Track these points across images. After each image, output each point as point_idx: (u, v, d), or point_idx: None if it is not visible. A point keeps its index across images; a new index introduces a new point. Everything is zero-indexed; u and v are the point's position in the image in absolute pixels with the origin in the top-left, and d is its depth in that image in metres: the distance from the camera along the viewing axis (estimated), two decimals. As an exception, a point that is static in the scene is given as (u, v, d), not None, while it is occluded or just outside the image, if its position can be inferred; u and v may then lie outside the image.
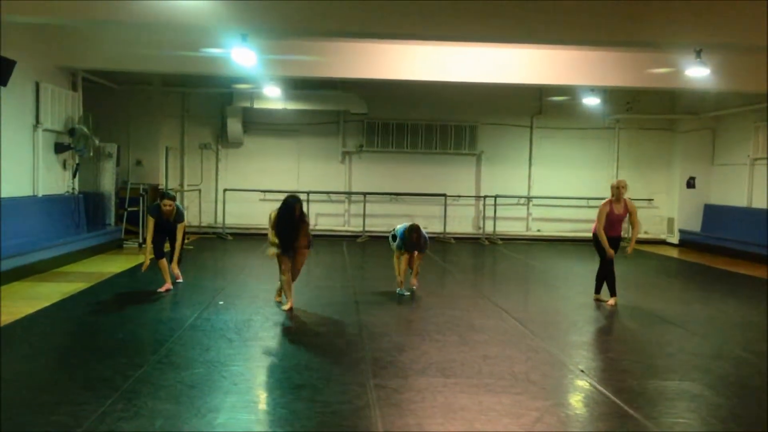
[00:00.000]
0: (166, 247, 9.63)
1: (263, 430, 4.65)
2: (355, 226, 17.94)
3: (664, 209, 18.61)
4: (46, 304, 8.54)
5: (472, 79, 13.39)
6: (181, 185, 17.83)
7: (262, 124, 17.95)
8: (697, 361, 6.73)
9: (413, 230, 9.51)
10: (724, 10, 9.15)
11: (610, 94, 17.36)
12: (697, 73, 11.40)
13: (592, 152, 18.63)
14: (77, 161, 13.78)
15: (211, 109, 17.87)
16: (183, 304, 8.76)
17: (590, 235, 9.70)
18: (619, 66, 13.31)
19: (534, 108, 18.49)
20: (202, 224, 17.77)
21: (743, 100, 15.72)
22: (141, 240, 14.81)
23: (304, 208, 8.68)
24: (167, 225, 9.51)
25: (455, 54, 13.01)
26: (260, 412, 5.10)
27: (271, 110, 17.45)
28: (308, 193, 17.29)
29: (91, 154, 13.85)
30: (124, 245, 14.71)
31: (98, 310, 8.56)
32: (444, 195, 17.79)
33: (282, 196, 8.19)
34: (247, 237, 17.01)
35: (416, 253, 9.74)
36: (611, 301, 9.30)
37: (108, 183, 15.06)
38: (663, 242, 18.20)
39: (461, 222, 18.49)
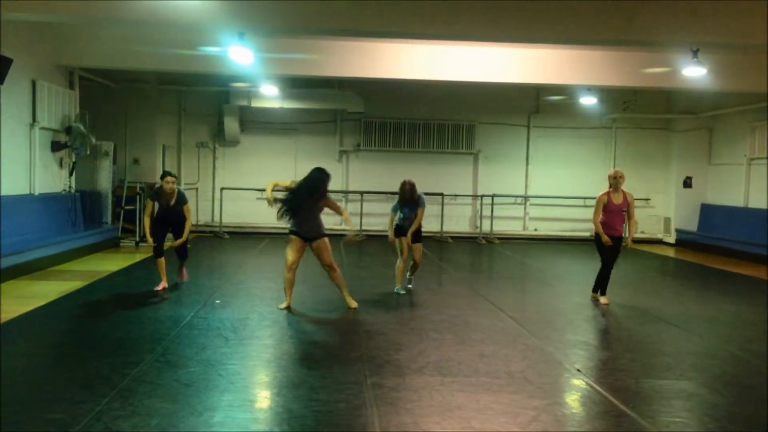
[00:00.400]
0: (167, 244, 9.56)
1: (260, 429, 4.65)
2: (352, 224, 17.91)
3: (661, 209, 18.64)
4: (43, 302, 8.52)
5: (470, 78, 13.40)
6: (178, 184, 17.78)
7: (259, 123, 17.94)
8: (693, 360, 6.75)
9: (405, 182, 9.46)
10: (721, 10, 9.16)
11: (607, 94, 17.38)
12: (694, 72, 11.43)
13: (589, 151, 18.66)
14: (74, 159, 13.76)
15: (208, 108, 17.86)
16: (179, 302, 8.75)
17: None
18: (616, 65, 13.33)
19: (531, 107, 18.51)
20: (199, 223, 17.74)
21: (740, 99, 15.75)
22: (138, 238, 14.81)
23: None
24: (168, 213, 9.33)
25: (452, 53, 13.02)
26: (257, 410, 5.10)
27: (268, 109, 17.44)
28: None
29: (88, 152, 13.84)
30: (121, 244, 14.70)
31: (95, 308, 8.55)
32: (441, 194, 17.79)
33: (279, 195, 8.17)
34: (244, 236, 17.01)
35: (415, 244, 9.66)
36: (604, 300, 9.31)
37: (105, 181, 15.05)
38: (660, 242, 18.22)
39: (458, 221, 18.50)
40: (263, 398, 5.38)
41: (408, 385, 5.53)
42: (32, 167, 12.24)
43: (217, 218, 17.56)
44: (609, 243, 9.11)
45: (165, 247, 9.48)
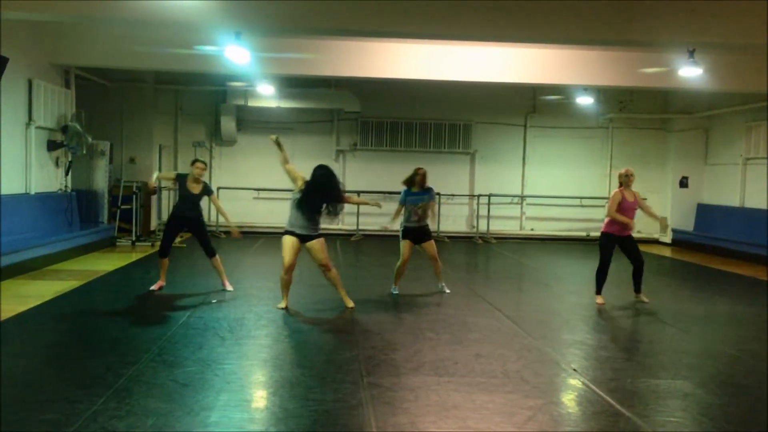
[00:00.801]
0: (176, 242, 9.51)
1: (256, 429, 4.64)
2: (348, 224, 17.92)
3: (657, 208, 18.52)
4: (39, 302, 8.50)
5: (466, 78, 13.40)
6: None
7: (255, 122, 17.92)
8: (688, 359, 6.76)
9: (420, 168, 9.55)
10: (717, 10, 9.17)
11: (603, 94, 17.40)
12: (690, 72, 11.44)
13: (586, 151, 18.67)
14: (70, 159, 13.73)
15: (204, 107, 17.85)
16: (176, 302, 8.74)
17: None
18: (612, 65, 13.34)
19: (528, 107, 18.52)
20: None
21: (736, 100, 15.78)
22: (134, 238, 14.78)
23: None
24: (187, 205, 9.27)
25: (449, 53, 13.02)
26: (253, 410, 5.09)
27: (264, 108, 17.43)
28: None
29: (84, 151, 13.80)
30: (117, 243, 14.67)
31: (91, 308, 8.53)
32: (438, 194, 17.74)
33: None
34: (241, 235, 16.96)
35: (426, 242, 9.64)
36: (599, 300, 9.33)
37: (101, 181, 15.03)
38: (656, 241, 18.24)
39: (455, 221, 18.51)
40: (260, 398, 5.38)
41: (404, 385, 5.53)
42: (28, 166, 12.22)
43: (213, 218, 17.53)
44: (632, 228, 9.19)
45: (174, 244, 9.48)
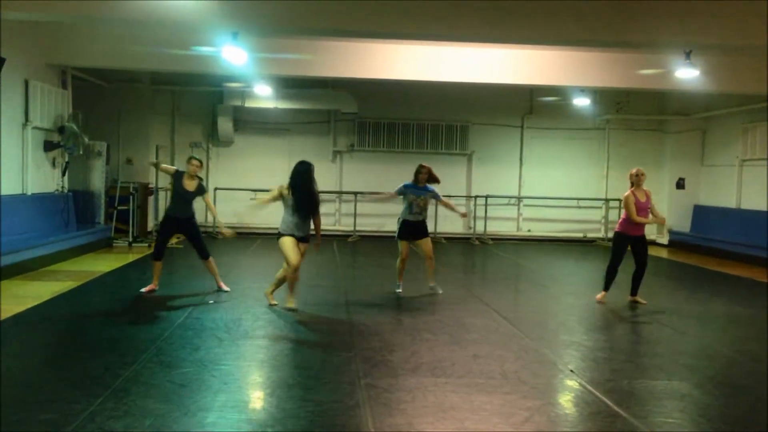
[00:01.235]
0: (173, 243, 9.49)
1: (253, 430, 4.64)
2: (346, 225, 17.93)
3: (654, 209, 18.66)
4: (36, 302, 8.49)
5: (463, 79, 13.41)
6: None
7: (253, 123, 17.92)
8: (686, 360, 6.77)
9: (424, 165, 9.56)
10: (714, 11, 9.19)
11: (600, 95, 17.43)
12: (687, 74, 11.47)
13: (583, 152, 18.70)
14: (67, 159, 13.70)
15: (201, 108, 17.83)
16: (173, 303, 8.73)
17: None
18: (609, 67, 13.36)
19: (525, 108, 18.54)
20: (193, 223, 17.68)
21: (732, 101, 15.81)
22: (131, 239, 14.77)
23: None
24: (181, 203, 9.23)
25: (446, 54, 13.02)
26: (250, 411, 5.09)
27: (262, 109, 17.42)
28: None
29: (81, 152, 13.78)
30: (114, 244, 14.65)
31: (88, 309, 8.52)
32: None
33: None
34: (238, 236, 16.94)
35: (422, 239, 9.64)
36: (600, 296, 9.35)
37: (98, 181, 15.00)
38: (653, 242, 18.24)
39: (452, 222, 18.45)
40: (257, 399, 5.38)
41: (402, 386, 5.53)
42: (25, 167, 12.19)
43: (210, 218, 17.49)
44: (664, 221, 9.31)
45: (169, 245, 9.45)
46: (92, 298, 9.18)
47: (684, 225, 17.93)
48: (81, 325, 7.68)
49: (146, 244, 14.58)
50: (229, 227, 10.30)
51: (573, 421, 5.05)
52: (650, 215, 9.34)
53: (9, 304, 8.21)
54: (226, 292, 9.38)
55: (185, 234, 9.59)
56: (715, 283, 12.27)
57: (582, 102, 16.67)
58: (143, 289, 9.23)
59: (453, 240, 17.77)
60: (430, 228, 17.33)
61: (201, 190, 9.46)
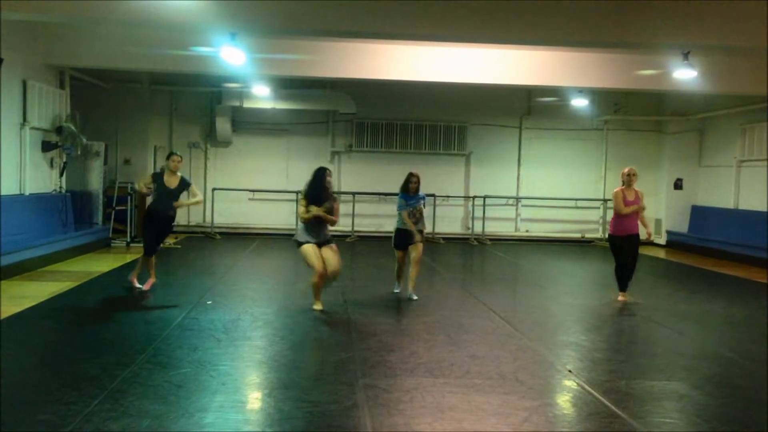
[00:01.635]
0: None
1: (251, 430, 4.64)
2: (344, 225, 17.90)
3: (652, 210, 18.61)
4: (33, 303, 8.48)
5: (462, 79, 13.41)
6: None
7: (251, 124, 17.91)
8: (683, 361, 6.77)
9: (414, 173, 9.43)
10: (712, 12, 9.19)
11: (598, 96, 17.44)
12: (685, 75, 11.47)
13: (581, 153, 18.71)
14: (65, 160, 13.70)
15: (199, 108, 17.82)
16: (171, 303, 8.72)
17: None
18: (607, 67, 13.36)
19: (523, 109, 18.55)
20: (191, 223, 17.69)
21: (730, 102, 15.82)
22: (129, 239, 14.76)
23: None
24: (163, 202, 9.18)
25: (445, 54, 13.02)
26: (248, 411, 5.09)
27: (260, 109, 17.41)
28: (297, 192, 17.27)
29: (79, 152, 13.78)
30: (112, 244, 14.64)
31: (85, 309, 8.51)
32: (433, 195, 17.80)
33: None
34: (236, 236, 16.97)
35: (414, 250, 9.59)
36: (621, 297, 9.35)
37: (96, 182, 14.98)
38: (650, 243, 18.28)
39: (450, 222, 18.52)
40: (255, 399, 5.37)
41: (400, 386, 5.53)
42: (23, 167, 12.18)
43: (208, 219, 17.52)
44: (631, 211, 9.25)
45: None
46: (90, 299, 9.17)
47: (682, 225, 17.95)
48: (78, 325, 7.68)
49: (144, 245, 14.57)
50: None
51: (571, 422, 5.05)
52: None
53: (6, 305, 8.19)
54: (138, 288, 9.32)
55: (160, 230, 9.43)
56: (712, 284, 12.28)
57: (580, 103, 16.68)
58: (144, 287, 9.25)
59: (451, 240, 17.77)
60: (428, 228, 17.50)
61: (185, 184, 9.41)
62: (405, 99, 17.50)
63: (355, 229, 17.55)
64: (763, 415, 5.18)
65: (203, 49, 11.98)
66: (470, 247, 17.04)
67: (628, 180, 9.36)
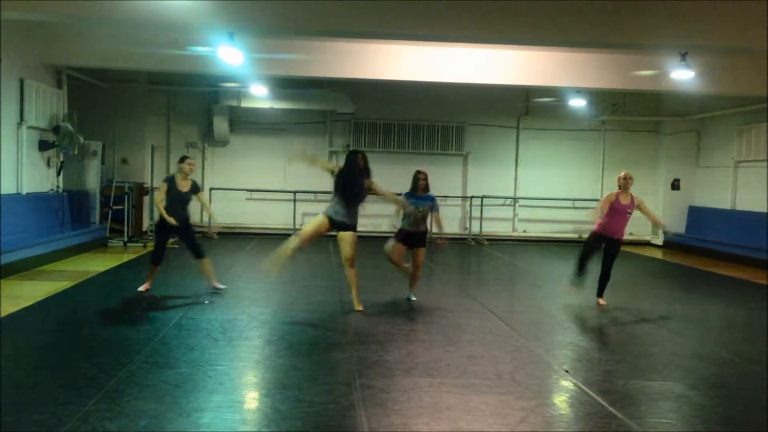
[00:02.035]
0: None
1: (248, 430, 4.64)
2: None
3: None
4: (30, 302, 8.46)
5: (459, 79, 13.41)
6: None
7: (248, 123, 17.90)
8: (680, 361, 6.78)
9: (421, 171, 9.25)
10: (710, 13, 9.21)
11: (596, 96, 17.43)
12: (683, 75, 11.48)
13: (578, 154, 18.73)
14: (62, 159, 13.68)
15: (197, 108, 17.80)
16: (168, 303, 8.72)
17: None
18: (605, 68, 13.37)
19: (520, 109, 18.56)
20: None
21: (727, 102, 15.85)
22: (126, 238, 14.74)
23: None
24: (176, 206, 9.16)
25: (442, 55, 13.02)
26: (245, 411, 5.08)
27: (257, 109, 17.40)
28: (294, 192, 17.31)
29: (76, 152, 13.77)
30: (109, 244, 14.63)
31: (82, 309, 8.51)
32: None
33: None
34: (234, 236, 16.96)
35: (419, 248, 9.53)
36: (602, 302, 9.35)
37: (93, 181, 14.98)
38: (648, 243, 18.32)
39: (448, 222, 18.38)
40: (252, 399, 5.37)
41: (397, 387, 5.53)
42: (19, 166, 12.17)
43: (206, 218, 17.49)
44: (596, 214, 9.30)
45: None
46: (87, 299, 9.16)
47: (679, 226, 17.96)
48: (75, 325, 7.67)
49: (141, 244, 14.57)
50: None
51: (568, 422, 5.06)
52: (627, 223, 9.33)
53: (3, 304, 8.18)
54: (223, 289, 9.36)
55: (180, 236, 9.54)
56: (710, 285, 12.30)
57: (578, 103, 16.68)
58: (141, 288, 9.25)
59: (449, 240, 17.75)
60: (436, 228, 17.46)
61: (196, 189, 9.43)
62: (403, 99, 17.51)
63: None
64: (760, 416, 5.19)
65: (201, 49, 11.96)
66: (468, 248, 17.05)
67: (624, 184, 9.31)
